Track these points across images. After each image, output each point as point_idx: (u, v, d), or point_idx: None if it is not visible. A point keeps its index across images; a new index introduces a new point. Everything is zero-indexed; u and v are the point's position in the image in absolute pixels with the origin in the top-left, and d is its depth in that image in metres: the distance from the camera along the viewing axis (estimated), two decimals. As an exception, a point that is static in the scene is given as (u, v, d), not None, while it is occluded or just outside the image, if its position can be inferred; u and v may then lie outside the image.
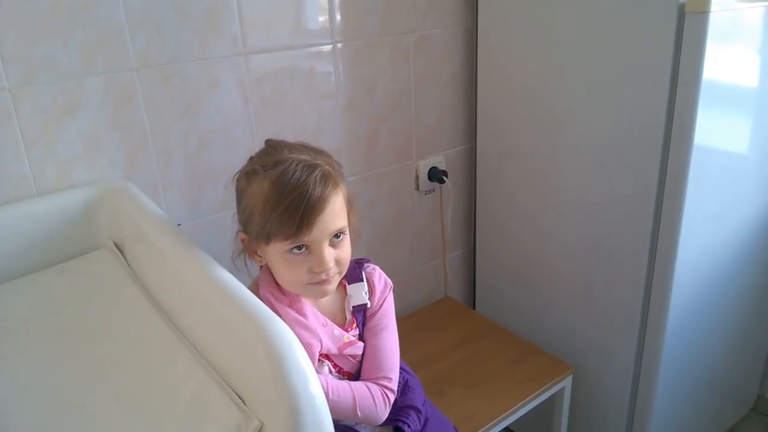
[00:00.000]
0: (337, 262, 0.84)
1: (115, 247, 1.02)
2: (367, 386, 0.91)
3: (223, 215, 1.26)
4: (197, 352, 0.72)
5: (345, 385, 0.89)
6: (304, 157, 0.83)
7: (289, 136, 1.29)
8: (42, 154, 1.02)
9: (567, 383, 1.41)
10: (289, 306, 0.88)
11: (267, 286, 0.89)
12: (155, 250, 0.89)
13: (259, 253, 0.87)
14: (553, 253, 1.47)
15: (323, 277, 0.84)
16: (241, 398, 0.63)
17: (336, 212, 0.82)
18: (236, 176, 0.89)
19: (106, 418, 0.62)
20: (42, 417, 0.64)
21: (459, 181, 1.66)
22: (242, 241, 0.88)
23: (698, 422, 1.61)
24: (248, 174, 0.85)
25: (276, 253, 0.82)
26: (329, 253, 0.82)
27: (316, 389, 0.58)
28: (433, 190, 1.61)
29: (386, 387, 0.92)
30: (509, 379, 1.36)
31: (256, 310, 0.64)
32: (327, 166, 0.83)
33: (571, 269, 1.43)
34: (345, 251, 0.86)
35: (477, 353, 1.46)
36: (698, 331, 1.40)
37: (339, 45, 1.32)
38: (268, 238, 0.81)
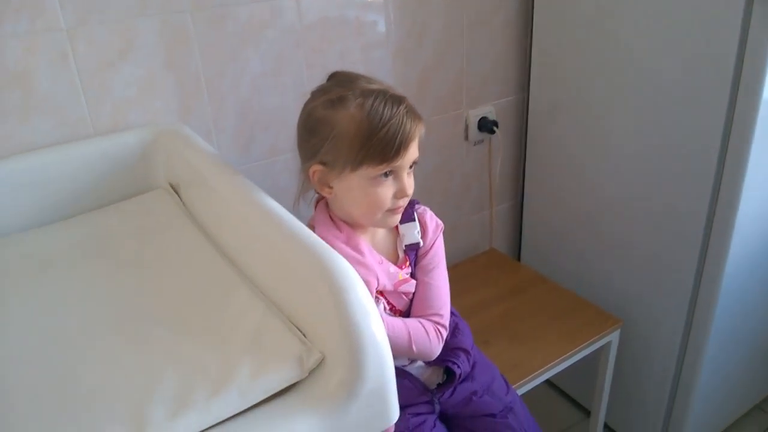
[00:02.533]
0: (410, 194, 0.88)
1: (171, 189, 1.03)
2: (421, 322, 0.93)
3: (273, 161, 1.27)
4: (256, 288, 0.73)
5: (399, 321, 0.91)
6: (385, 88, 0.85)
7: (339, 82, 1.29)
8: (98, 96, 1.04)
9: (614, 337, 1.39)
10: (346, 244, 0.89)
11: (323, 224, 0.90)
12: (212, 190, 0.89)
13: (331, 184, 0.87)
14: (604, 209, 1.44)
15: (400, 203, 0.87)
16: (302, 332, 0.64)
17: (416, 143, 0.86)
18: (310, 107, 0.87)
19: (168, 347, 0.64)
20: (105, 346, 0.66)
21: (509, 132, 1.63)
22: (314, 173, 0.87)
23: (744, 384, 1.58)
24: (333, 102, 0.83)
25: (361, 180, 0.84)
26: (409, 181, 0.87)
27: (376, 321, 0.58)
28: (482, 141, 1.58)
29: (439, 323, 0.94)
30: (555, 331, 1.36)
31: (317, 246, 0.65)
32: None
33: (624, 226, 1.40)
34: (413, 184, 0.89)
35: (522, 305, 1.45)
36: (753, 293, 1.36)
37: (390, -12, 1.29)
38: (359, 164, 0.82)
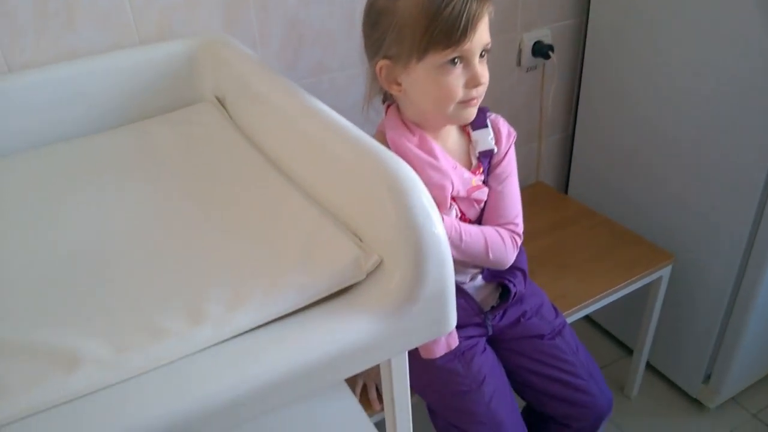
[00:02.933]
0: (484, 82, 0.83)
1: (217, 101, 1.01)
2: (497, 230, 0.92)
3: (319, 79, 1.23)
4: (310, 196, 0.71)
5: (476, 228, 0.90)
6: None
7: None
8: (144, 3, 1.00)
9: (665, 273, 1.35)
10: (419, 147, 0.86)
11: (395, 129, 0.88)
12: (262, 99, 0.86)
13: (400, 80, 0.84)
14: (659, 146, 1.36)
15: (474, 94, 0.82)
16: (358, 237, 0.61)
17: (486, 25, 0.80)
18: (373, 2, 0.83)
19: (221, 249, 0.63)
20: (159, 247, 0.65)
21: (565, 58, 1.54)
22: (380, 70, 0.84)
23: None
24: None
25: (428, 70, 0.79)
26: (482, 69, 0.81)
27: (438, 224, 0.55)
28: (536, 68, 1.50)
29: (514, 231, 0.94)
30: (604, 265, 1.32)
31: (375, 149, 0.61)
32: None
33: (679, 167, 1.33)
34: (487, 73, 0.84)
35: (570, 238, 1.41)
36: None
37: None
38: (424, 51, 0.78)
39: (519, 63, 1.47)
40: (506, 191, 0.94)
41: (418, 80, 0.82)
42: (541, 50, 1.45)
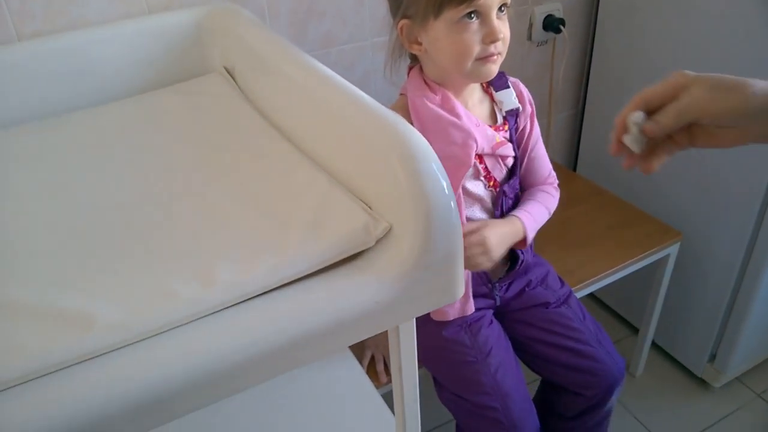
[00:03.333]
0: (503, 39, 0.83)
1: (226, 72, 1.00)
2: (543, 190, 1.01)
3: (327, 52, 1.22)
4: (318, 163, 0.71)
5: (539, 206, 0.98)
6: None
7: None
8: (153, -29, 0.99)
9: (673, 251, 1.35)
10: (441, 107, 0.86)
11: (416, 89, 0.89)
12: (272, 68, 0.86)
13: (420, 39, 0.84)
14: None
15: (492, 50, 0.82)
16: (368, 205, 0.61)
17: None
18: None
19: (231, 214, 0.63)
20: (169, 211, 0.65)
21: (576, 33, 1.53)
22: (401, 29, 0.85)
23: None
24: None
25: (445, 27, 0.80)
26: (501, 24, 0.82)
27: (447, 191, 0.55)
28: (546, 42, 1.49)
29: (553, 182, 1.04)
30: (612, 242, 1.32)
31: (385, 116, 0.61)
32: None
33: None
34: (508, 29, 0.84)
35: (578, 215, 1.41)
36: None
37: None
38: (440, 7, 0.78)
39: (530, 37, 1.45)
40: (539, 154, 1.02)
41: (437, 38, 0.82)
42: (552, 24, 1.43)
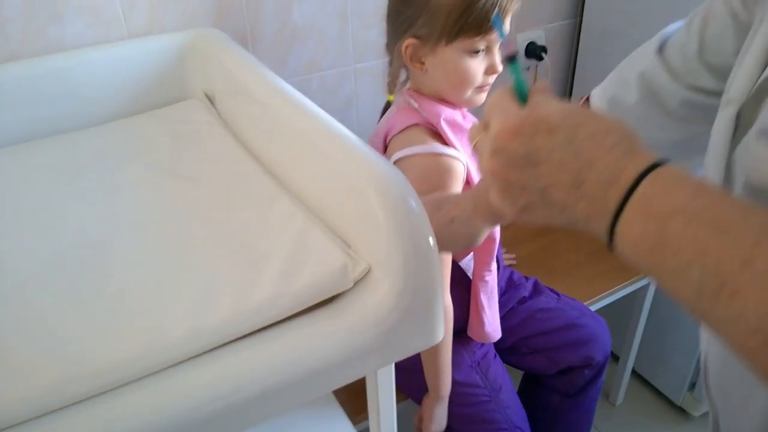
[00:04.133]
0: (500, 70, 0.86)
1: (206, 98, 0.99)
2: None
3: (309, 77, 1.21)
4: (297, 198, 0.69)
5: None
6: None
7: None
8: (133, -6, 0.98)
9: (652, 280, 1.35)
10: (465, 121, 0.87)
11: (436, 109, 0.86)
12: (251, 96, 0.85)
13: (424, 60, 0.84)
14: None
15: (489, 81, 0.85)
16: (346, 243, 0.60)
17: (509, 19, 0.83)
18: None
19: (203, 251, 0.61)
20: (138, 249, 0.63)
21: (558, 59, 1.54)
22: (407, 48, 0.84)
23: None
24: None
25: (455, 53, 0.81)
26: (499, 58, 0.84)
27: (428, 232, 0.54)
28: (529, 68, 1.49)
29: None
30: (592, 270, 1.32)
31: (367, 152, 0.60)
32: None
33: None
34: None
35: (560, 241, 1.41)
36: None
37: None
38: (456, 36, 0.79)
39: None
40: None
41: (443, 62, 0.83)
42: (534, 51, 1.44)
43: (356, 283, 0.56)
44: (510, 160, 0.41)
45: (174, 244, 0.62)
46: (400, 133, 0.87)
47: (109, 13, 0.97)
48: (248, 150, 0.84)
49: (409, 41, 0.83)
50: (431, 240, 0.54)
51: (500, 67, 0.84)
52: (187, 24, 1.04)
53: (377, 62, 1.27)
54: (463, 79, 0.84)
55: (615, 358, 1.65)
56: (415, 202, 0.55)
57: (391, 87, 0.94)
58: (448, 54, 0.82)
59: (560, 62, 1.55)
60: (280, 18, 1.12)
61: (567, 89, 1.59)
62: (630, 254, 0.39)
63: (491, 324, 0.95)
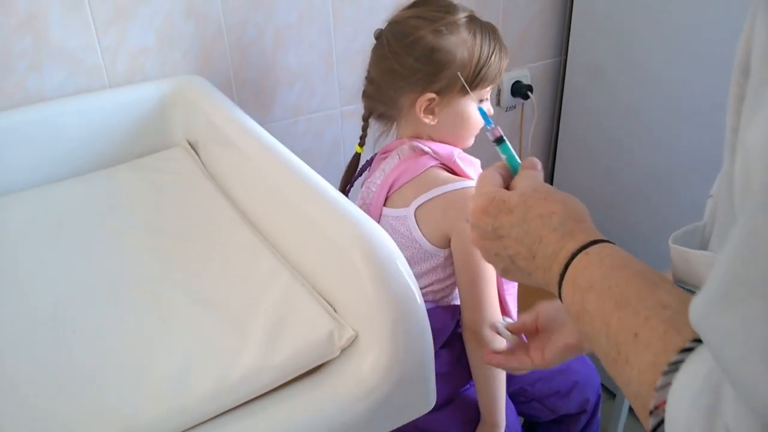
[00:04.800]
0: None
1: (189, 146, 0.97)
2: None
3: (295, 121, 1.20)
4: (280, 254, 0.67)
5: None
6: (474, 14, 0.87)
7: (368, 39, 1.21)
8: (114, 43, 0.97)
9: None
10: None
11: (441, 147, 0.88)
12: (234, 147, 0.83)
13: (436, 111, 0.86)
14: (640, 184, 1.36)
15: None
16: (331, 305, 0.58)
17: None
18: (417, 36, 0.83)
19: (184, 317, 0.59)
20: (116, 313, 0.61)
21: (544, 98, 1.54)
22: (424, 101, 0.85)
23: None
24: (448, 29, 0.82)
25: (468, 103, 0.85)
26: None
27: (417, 299, 0.52)
28: (515, 107, 1.49)
29: None
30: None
31: (351, 212, 0.58)
32: None
33: (661, 207, 1.32)
34: None
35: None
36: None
37: (426, -63, 1.19)
38: (474, 88, 0.84)
39: (498, 103, 1.46)
40: None
41: (458, 112, 0.86)
42: (519, 90, 1.44)
43: (343, 351, 0.53)
44: (483, 233, 0.50)
45: (153, 310, 0.60)
46: (418, 177, 0.87)
47: (91, 62, 0.96)
48: (231, 200, 0.82)
49: (427, 96, 0.84)
50: (420, 307, 0.52)
51: (492, 111, 0.91)
52: (170, 71, 1.03)
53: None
54: (474, 125, 0.88)
55: (611, 394, 1.62)
56: (402, 265, 0.54)
57: (363, 140, 0.94)
58: (462, 104, 0.86)
59: (546, 100, 1.55)
60: (265, 63, 1.12)
61: (554, 127, 1.59)
62: (570, 319, 0.46)
63: None
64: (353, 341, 0.53)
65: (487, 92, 0.88)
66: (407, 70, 0.84)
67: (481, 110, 0.61)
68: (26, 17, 0.89)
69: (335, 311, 0.57)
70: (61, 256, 0.72)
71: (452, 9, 0.85)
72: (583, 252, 0.43)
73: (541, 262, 0.46)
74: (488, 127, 0.57)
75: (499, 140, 0.55)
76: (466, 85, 0.82)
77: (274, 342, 0.53)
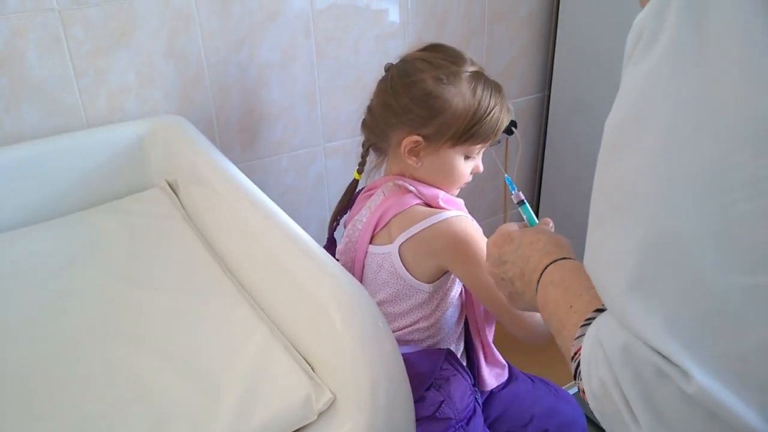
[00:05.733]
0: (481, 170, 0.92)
1: (168, 187, 0.96)
2: None
3: (279, 158, 1.19)
4: (258, 306, 0.66)
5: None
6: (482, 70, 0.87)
7: (351, 75, 1.21)
8: (93, 83, 0.96)
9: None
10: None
11: (426, 189, 0.87)
12: (213, 192, 0.82)
13: (422, 155, 0.85)
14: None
15: (469, 179, 0.90)
16: (309, 363, 0.56)
17: None
18: (418, 79, 0.83)
19: (154, 378, 0.56)
20: (81, 371, 0.59)
21: (528, 132, 1.55)
22: (408, 143, 0.84)
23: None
24: (449, 78, 0.82)
25: (455, 155, 0.85)
26: None
27: (396, 360, 0.51)
28: (500, 141, 1.49)
29: None
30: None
31: (329, 266, 0.57)
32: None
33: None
34: None
35: (537, 316, 1.37)
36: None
37: (409, -25, 1.20)
38: (463, 141, 0.83)
39: (483, 137, 1.46)
40: None
41: (443, 161, 0.86)
42: (504, 125, 1.44)
43: (320, 414, 0.51)
44: (492, 260, 0.65)
45: (126, 368, 0.58)
46: (402, 213, 0.87)
47: (69, 102, 0.95)
48: (210, 245, 0.80)
49: (413, 138, 0.84)
50: (401, 368, 0.50)
51: (482, 169, 0.91)
52: (150, 111, 1.01)
53: (347, 141, 1.26)
54: (456, 177, 0.88)
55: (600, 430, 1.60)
56: (381, 322, 0.52)
57: (362, 168, 0.95)
58: (448, 155, 0.85)
59: (530, 135, 1.56)
60: (248, 101, 1.11)
61: (538, 161, 1.60)
62: (539, 312, 0.57)
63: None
64: (331, 404, 0.51)
65: (476, 149, 0.87)
66: (401, 107, 0.85)
67: (507, 179, 0.68)
68: (4, 58, 0.88)
69: (313, 370, 0.55)
70: (33, 306, 0.70)
71: (460, 60, 0.85)
72: (554, 263, 0.55)
73: (527, 277, 0.57)
74: (512, 193, 0.68)
75: (521, 203, 0.69)
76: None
77: (249, 404, 0.51)
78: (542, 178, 1.57)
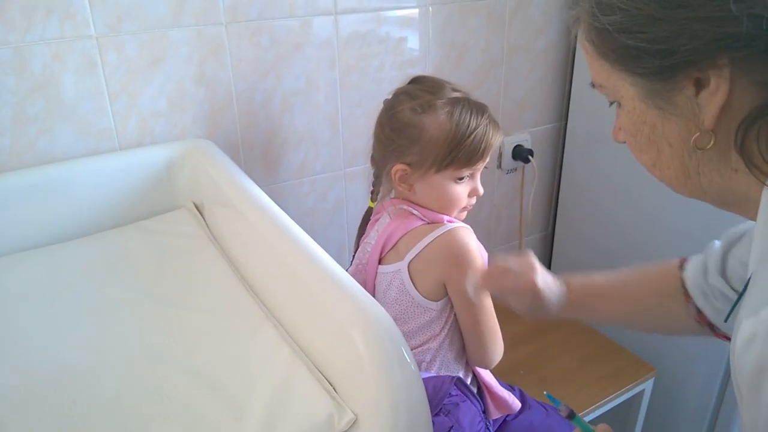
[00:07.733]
0: (481, 193, 0.92)
1: (195, 208, 0.99)
2: None
3: (300, 182, 1.22)
4: (282, 327, 0.68)
5: None
6: (468, 95, 0.88)
7: (373, 105, 1.24)
8: (125, 107, 0.99)
9: (648, 386, 1.32)
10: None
11: (430, 213, 0.89)
12: (239, 214, 0.84)
13: (412, 182, 0.88)
14: (640, 250, 1.36)
15: (472, 202, 0.91)
16: (331, 384, 0.58)
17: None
18: (397, 110, 0.87)
19: (179, 394, 0.58)
20: (110, 387, 0.61)
21: (544, 161, 1.57)
22: (396, 172, 0.88)
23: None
24: (423, 107, 0.85)
25: (443, 179, 0.86)
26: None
27: (417, 383, 0.52)
28: (516, 170, 1.52)
29: None
30: (585, 376, 1.28)
31: (352, 289, 0.59)
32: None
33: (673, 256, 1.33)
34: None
35: (552, 345, 1.38)
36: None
37: (430, 8, 1.24)
38: (445, 167, 0.84)
39: (500, 165, 1.48)
40: None
41: (432, 186, 0.87)
42: (520, 154, 1.46)
43: (342, 434, 0.53)
44: None
45: (152, 385, 0.60)
46: (409, 233, 0.89)
47: (102, 125, 0.98)
48: (234, 266, 0.82)
49: (400, 167, 0.87)
50: (421, 391, 0.52)
51: (481, 191, 0.91)
52: (179, 135, 1.05)
53: (367, 166, 1.28)
54: (450, 202, 0.89)
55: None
56: (403, 347, 0.54)
57: (374, 196, 0.98)
58: (437, 180, 0.86)
59: (547, 164, 1.58)
60: (272, 126, 1.14)
61: (554, 188, 1.61)
62: None
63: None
64: (353, 424, 0.53)
65: (465, 172, 0.86)
66: (386, 138, 0.89)
67: (549, 396, 0.64)
68: (41, 81, 0.92)
69: (335, 390, 0.57)
70: (62, 320, 0.72)
71: (438, 90, 0.87)
72: None
73: None
74: (558, 408, 0.61)
75: (571, 416, 0.61)
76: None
77: (272, 423, 0.53)
78: (558, 208, 1.58)
